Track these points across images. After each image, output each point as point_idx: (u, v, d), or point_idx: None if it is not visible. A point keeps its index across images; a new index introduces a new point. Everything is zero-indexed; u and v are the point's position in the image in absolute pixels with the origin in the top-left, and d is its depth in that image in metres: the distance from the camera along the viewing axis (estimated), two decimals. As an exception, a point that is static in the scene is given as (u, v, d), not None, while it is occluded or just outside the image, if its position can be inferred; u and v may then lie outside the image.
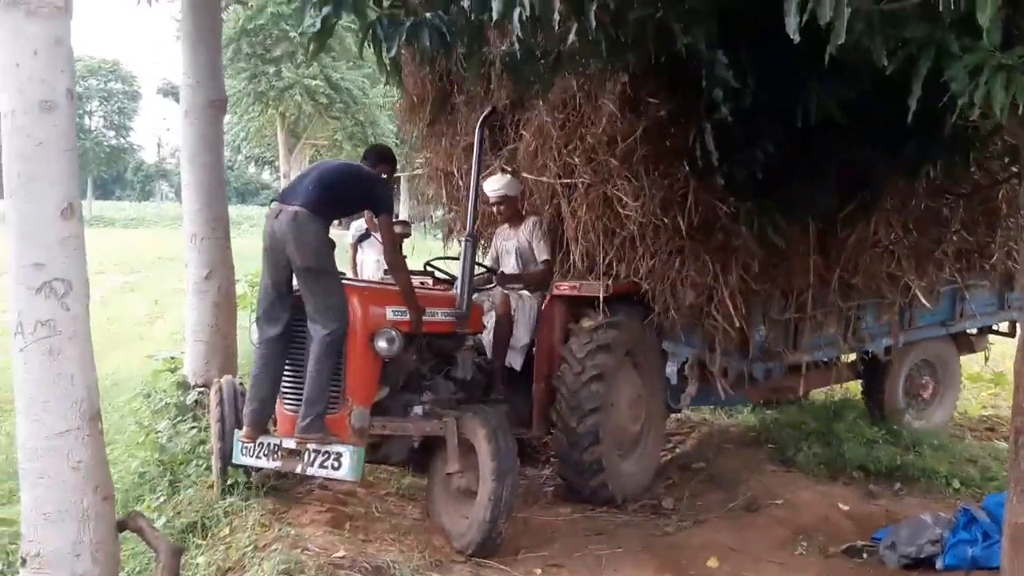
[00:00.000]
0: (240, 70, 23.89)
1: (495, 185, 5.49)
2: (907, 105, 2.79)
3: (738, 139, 4.48)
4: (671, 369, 5.59)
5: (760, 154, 4.58)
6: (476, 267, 5.13)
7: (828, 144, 4.74)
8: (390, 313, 4.46)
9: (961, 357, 7.58)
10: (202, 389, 5.99)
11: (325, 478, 4.46)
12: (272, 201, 4.50)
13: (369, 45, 3.73)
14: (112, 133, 48.59)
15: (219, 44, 6.16)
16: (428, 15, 3.72)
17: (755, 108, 4.17)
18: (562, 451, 5.22)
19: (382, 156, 4.85)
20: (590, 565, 4.40)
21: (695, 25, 3.51)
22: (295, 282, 4.33)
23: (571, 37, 3.71)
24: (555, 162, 5.29)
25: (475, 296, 5.07)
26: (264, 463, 4.39)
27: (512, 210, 5.60)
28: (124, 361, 9.21)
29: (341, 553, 3.95)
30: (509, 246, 5.67)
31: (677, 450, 6.74)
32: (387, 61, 3.73)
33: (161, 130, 68.48)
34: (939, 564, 4.32)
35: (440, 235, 6.93)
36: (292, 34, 22.14)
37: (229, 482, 4.57)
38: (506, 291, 5.39)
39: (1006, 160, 6.16)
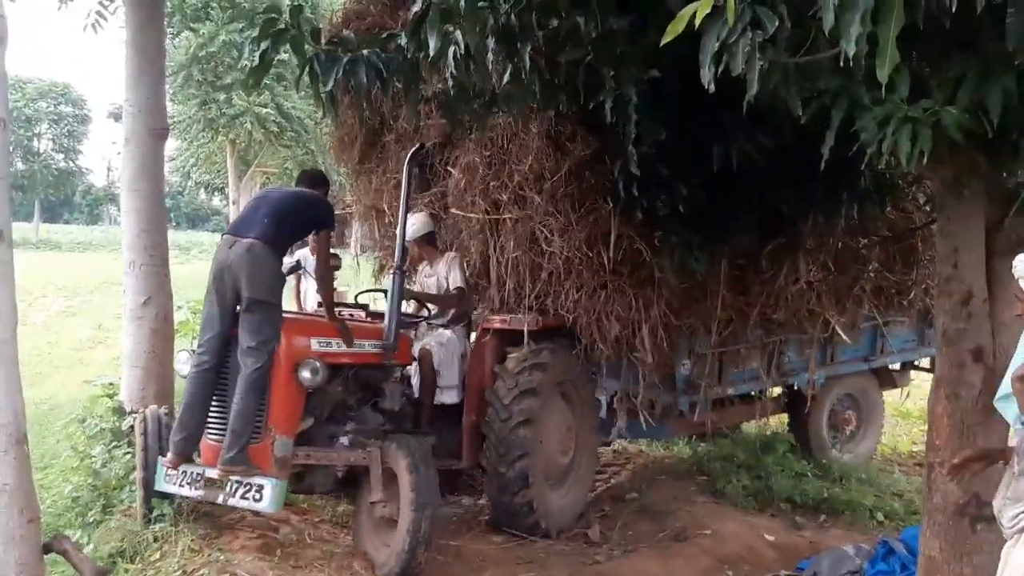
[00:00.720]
0: (191, 96, 23.64)
1: (408, 227, 5.50)
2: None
3: (662, 177, 4.61)
4: (601, 402, 5.69)
5: (683, 188, 4.69)
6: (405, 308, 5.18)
7: (750, 184, 4.88)
8: (315, 344, 4.49)
9: (886, 393, 7.77)
10: (137, 415, 5.93)
11: (246, 509, 4.46)
12: (224, 233, 4.56)
13: (307, 79, 3.81)
14: (61, 156, 47.33)
15: (162, 73, 6.17)
16: (365, 52, 3.81)
17: (678, 149, 4.34)
18: (493, 494, 5.31)
19: (315, 180, 4.95)
20: (518, 594, 4.45)
21: (622, 69, 3.64)
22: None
23: (505, 77, 3.83)
24: (484, 198, 5.39)
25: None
26: (187, 491, 4.39)
27: (430, 247, 5.74)
28: (62, 386, 9.08)
29: (270, 578, 3.95)
30: (430, 282, 5.77)
31: (612, 481, 6.84)
32: (324, 95, 3.80)
33: (111, 154, 67.06)
34: (859, 594, 4.44)
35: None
36: (242, 63, 22.04)
37: (155, 512, 4.53)
38: (428, 335, 5.47)
39: (923, 204, 6.43)
